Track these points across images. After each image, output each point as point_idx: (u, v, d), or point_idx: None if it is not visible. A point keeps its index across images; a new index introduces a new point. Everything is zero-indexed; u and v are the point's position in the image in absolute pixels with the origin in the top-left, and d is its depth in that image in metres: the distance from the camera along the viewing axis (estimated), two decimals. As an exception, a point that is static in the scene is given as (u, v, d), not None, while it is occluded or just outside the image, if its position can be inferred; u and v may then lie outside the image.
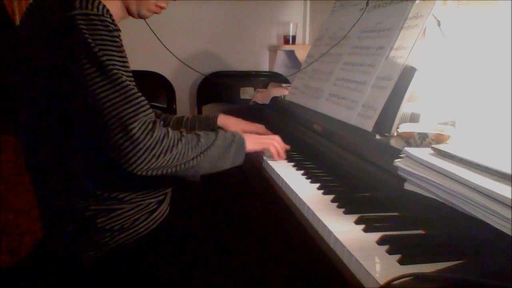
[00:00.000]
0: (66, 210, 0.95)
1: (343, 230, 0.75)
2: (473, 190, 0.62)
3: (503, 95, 0.92)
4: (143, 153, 0.84)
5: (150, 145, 0.84)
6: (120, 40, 0.89)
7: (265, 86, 1.96)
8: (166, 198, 1.06)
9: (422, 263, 0.63)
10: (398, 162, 0.77)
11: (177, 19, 2.28)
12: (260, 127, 1.36)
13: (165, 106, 2.29)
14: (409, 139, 0.89)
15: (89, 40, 0.82)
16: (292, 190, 0.97)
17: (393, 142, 0.92)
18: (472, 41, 1.07)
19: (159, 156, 0.86)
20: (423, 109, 1.03)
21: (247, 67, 2.50)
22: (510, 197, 0.56)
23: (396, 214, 0.84)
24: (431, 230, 0.75)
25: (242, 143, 1.06)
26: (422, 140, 0.87)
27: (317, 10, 2.41)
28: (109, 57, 0.84)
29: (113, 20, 0.87)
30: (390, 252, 0.66)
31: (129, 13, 1.04)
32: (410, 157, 0.75)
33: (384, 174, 0.86)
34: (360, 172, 0.98)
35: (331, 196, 0.91)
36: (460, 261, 0.63)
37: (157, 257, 0.96)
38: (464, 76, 1.05)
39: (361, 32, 1.24)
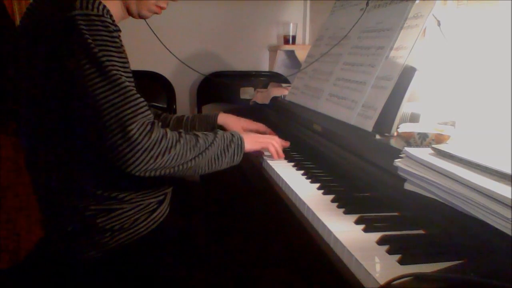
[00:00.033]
0: (66, 210, 0.95)
1: (343, 230, 0.75)
2: (473, 190, 0.62)
3: (503, 95, 0.92)
4: (141, 154, 0.84)
5: (148, 146, 0.84)
6: (120, 40, 0.89)
7: (265, 86, 1.96)
8: (166, 198, 1.06)
9: (422, 263, 0.63)
10: (398, 162, 0.77)
11: (177, 19, 2.28)
12: (260, 125, 1.36)
13: (165, 106, 2.28)
14: (409, 139, 0.89)
15: (89, 41, 0.82)
16: (292, 190, 0.97)
17: (393, 142, 0.92)
18: (472, 41, 1.07)
19: (157, 157, 0.86)
20: (423, 109, 1.03)
21: (247, 67, 2.50)
22: (510, 197, 0.56)
23: (396, 214, 0.84)
24: (431, 230, 0.75)
25: (240, 143, 1.06)
26: (422, 140, 0.87)
27: (317, 10, 2.41)
28: (109, 58, 0.84)
29: (113, 20, 0.87)
30: (390, 252, 0.66)
31: (129, 13, 1.04)
32: (410, 157, 0.75)
33: (384, 174, 0.86)
34: (360, 172, 0.98)
35: (331, 196, 0.91)
36: (460, 261, 0.63)
37: (157, 257, 0.96)
38: (464, 76, 1.05)
39: (361, 32, 1.24)
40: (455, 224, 0.68)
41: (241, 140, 1.06)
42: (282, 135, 1.28)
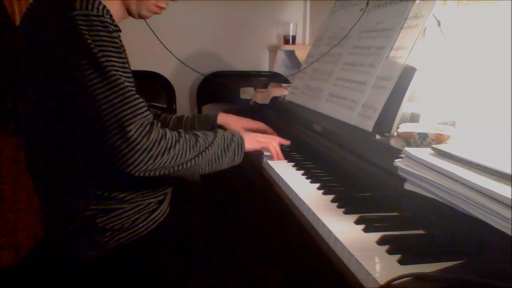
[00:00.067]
0: (66, 209, 0.95)
1: (343, 230, 0.75)
2: (473, 190, 0.62)
3: (503, 95, 0.92)
4: (141, 155, 0.84)
5: (147, 146, 0.84)
6: (120, 40, 0.89)
7: (265, 86, 1.96)
8: (166, 198, 1.06)
9: (422, 263, 0.63)
10: (398, 162, 0.77)
11: (177, 19, 2.28)
12: (260, 124, 1.36)
13: (165, 106, 2.29)
14: (409, 139, 0.89)
15: (89, 41, 0.82)
16: (292, 190, 0.97)
17: (393, 142, 0.92)
18: (472, 41, 1.07)
19: (156, 157, 0.86)
20: (423, 109, 1.03)
21: (247, 67, 2.50)
22: (510, 197, 0.56)
23: (396, 214, 0.84)
24: (431, 230, 0.75)
25: (241, 142, 1.06)
26: (422, 140, 0.87)
27: (317, 10, 2.41)
28: (108, 58, 0.84)
29: (113, 20, 0.87)
30: (390, 252, 0.66)
31: (129, 13, 1.04)
32: (410, 157, 0.75)
33: (384, 174, 0.86)
34: (360, 172, 0.98)
35: (331, 196, 0.91)
36: (460, 261, 0.63)
37: (157, 257, 0.96)
38: (464, 76, 1.05)
39: (361, 32, 1.24)
40: (455, 224, 0.68)
41: (241, 139, 1.06)
42: (282, 135, 1.28)
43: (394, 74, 1.01)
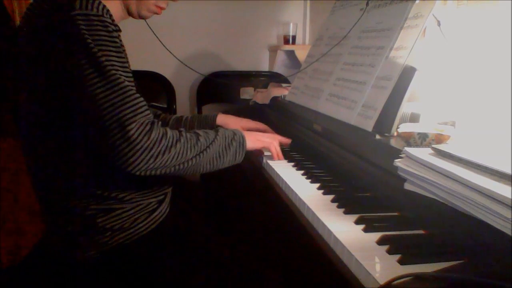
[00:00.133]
0: (66, 209, 0.95)
1: (343, 230, 0.75)
2: (473, 190, 0.62)
3: (503, 95, 0.92)
4: (141, 154, 0.84)
5: (148, 146, 0.84)
6: (120, 40, 0.89)
7: (265, 86, 1.96)
8: (166, 198, 1.06)
9: (422, 263, 0.63)
10: (398, 162, 0.77)
11: (177, 19, 2.28)
12: (260, 124, 1.36)
13: (165, 106, 2.29)
14: (409, 139, 0.89)
15: (89, 41, 0.82)
16: (292, 190, 0.97)
17: (393, 142, 0.92)
18: (472, 41, 1.07)
19: (157, 156, 0.86)
20: (423, 109, 1.03)
21: (247, 67, 2.50)
22: (510, 197, 0.56)
23: (396, 214, 0.84)
24: (431, 230, 0.75)
25: (242, 141, 1.06)
26: (422, 140, 0.87)
27: (317, 10, 2.41)
28: (108, 58, 0.84)
29: (113, 20, 0.87)
30: (390, 252, 0.67)
31: (129, 13, 1.04)
32: (410, 157, 0.75)
33: (384, 174, 0.86)
34: (360, 172, 0.98)
35: (331, 196, 0.91)
36: (460, 261, 0.64)
37: (157, 257, 0.96)
38: (464, 76, 1.05)
39: (361, 32, 1.24)
40: (455, 224, 0.68)
41: (243, 138, 1.06)
42: (282, 135, 1.28)
43: (394, 74, 1.01)
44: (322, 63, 1.38)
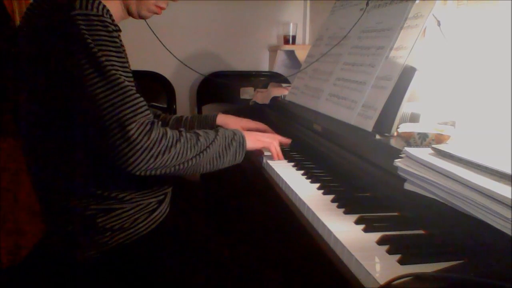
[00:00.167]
0: (66, 209, 0.95)
1: (343, 230, 0.75)
2: (473, 190, 0.62)
3: (503, 95, 0.92)
4: (141, 154, 0.84)
5: (148, 145, 0.84)
6: (120, 40, 0.89)
7: (265, 86, 1.96)
8: (166, 198, 1.06)
9: (422, 263, 0.63)
10: (398, 162, 0.77)
11: (177, 19, 2.28)
12: (260, 124, 1.36)
13: (165, 106, 2.29)
14: (409, 139, 0.89)
15: (89, 41, 0.82)
16: (292, 190, 0.97)
17: (393, 142, 0.92)
18: (472, 41, 1.07)
19: (157, 156, 0.86)
20: (423, 109, 1.03)
21: (247, 67, 2.50)
22: (510, 197, 0.56)
23: (396, 214, 0.84)
24: (431, 230, 0.75)
25: (242, 141, 1.06)
26: (422, 140, 0.87)
27: (317, 10, 2.41)
28: (108, 58, 0.84)
29: (113, 20, 0.87)
30: (390, 252, 0.67)
31: (129, 13, 1.04)
32: (410, 157, 0.75)
33: (384, 174, 0.86)
34: (360, 172, 0.98)
35: (331, 196, 0.91)
36: (460, 261, 0.64)
37: (157, 257, 0.96)
38: (464, 76, 1.05)
39: (361, 32, 1.24)
40: (455, 224, 0.68)
41: (243, 138, 1.06)
42: (282, 135, 1.28)
43: (394, 74, 1.01)
44: (322, 63, 1.38)
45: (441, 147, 0.75)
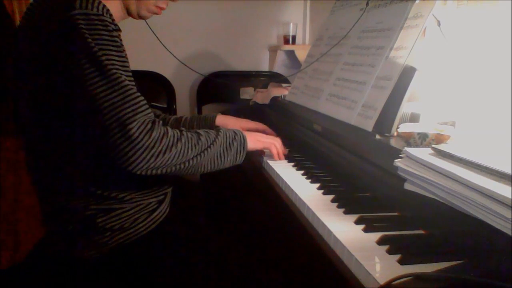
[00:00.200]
0: (66, 209, 0.95)
1: (343, 230, 0.75)
2: (473, 190, 0.62)
3: (503, 95, 0.92)
4: (142, 153, 0.84)
5: (149, 144, 0.84)
6: (120, 40, 0.89)
7: (265, 86, 1.96)
8: (166, 198, 1.06)
9: (422, 263, 0.63)
10: (398, 162, 0.77)
11: (177, 19, 2.28)
12: (259, 124, 1.36)
13: (165, 106, 2.29)
14: (409, 139, 0.89)
15: (89, 40, 0.82)
16: (292, 190, 0.97)
17: (393, 142, 0.92)
18: (472, 41, 1.07)
19: (158, 155, 0.86)
20: (423, 109, 1.03)
21: (247, 67, 2.50)
22: (510, 197, 0.56)
23: (396, 214, 0.84)
24: (431, 230, 0.75)
25: (243, 141, 1.05)
26: (422, 140, 0.87)
27: (317, 10, 2.41)
28: (109, 57, 0.84)
29: (113, 20, 0.87)
30: (390, 252, 0.67)
31: (129, 13, 1.04)
32: (410, 157, 0.75)
33: (384, 174, 0.86)
34: (360, 172, 0.98)
35: (331, 196, 0.91)
36: (460, 261, 0.63)
37: (157, 257, 0.96)
38: (464, 76, 1.05)
39: (361, 32, 1.24)
40: (455, 224, 0.68)
41: (243, 138, 1.06)
42: (282, 135, 1.28)
43: (394, 74, 1.01)
44: (322, 63, 1.38)
45: (441, 147, 0.75)
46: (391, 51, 1.07)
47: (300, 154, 1.26)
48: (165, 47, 1.30)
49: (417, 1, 1.06)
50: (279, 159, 1.18)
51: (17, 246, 1.73)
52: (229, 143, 1.01)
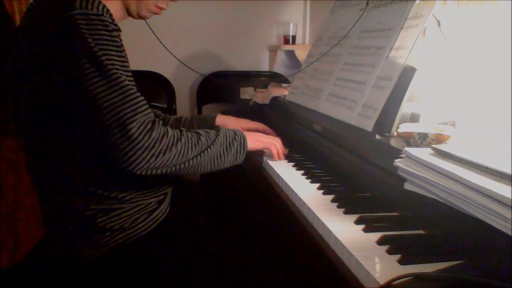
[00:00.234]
0: (66, 209, 0.95)
1: (343, 230, 0.75)
2: (473, 190, 0.62)
3: (503, 95, 0.92)
4: (142, 153, 0.84)
5: (149, 144, 0.84)
6: (120, 40, 0.89)
7: (265, 86, 1.96)
8: (166, 198, 1.06)
9: (422, 263, 0.63)
10: (398, 162, 0.77)
11: (177, 19, 2.28)
12: (259, 124, 1.36)
13: (165, 106, 2.29)
14: (409, 139, 0.89)
15: (89, 40, 0.82)
16: (292, 190, 0.97)
17: (393, 142, 0.92)
18: (472, 41, 1.07)
19: (158, 155, 0.86)
20: (423, 109, 1.03)
21: (247, 67, 2.50)
22: (510, 197, 0.56)
23: (396, 214, 0.84)
24: (431, 230, 0.75)
25: (243, 141, 1.05)
26: (422, 140, 0.87)
27: (317, 10, 2.41)
28: (109, 57, 0.84)
29: (113, 20, 0.87)
30: (390, 252, 0.66)
31: (129, 13, 1.04)
32: (410, 157, 0.75)
33: (384, 174, 0.86)
34: (360, 172, 0.98)
35: (331, 196, 0.91)
36: (460, 261, 0.63)
37: (157, 257, 0.96)
38: (464, 76, 1.05)
39: (361, 32, 1.24)
40: (455, 224, 0.68)
41: (244, 138, 1.06)
42: (282, 135, 1.28)
43: (394, 74, 1.01)
44: (322, 63, 1.38)
45: (441, 147, 0.75)
46: (391, 51, 1.07)
47: (300, 154, 1.26)
48: (165, 47, 1.30)
49: (417, 1, 1.06)
50: (279, 159, 1.18)
51: (17, 246, 1.73)
52: (229, 143, 1.01)
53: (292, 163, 1.17)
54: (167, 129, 0.89)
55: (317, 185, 0.99)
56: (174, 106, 2.31)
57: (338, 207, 0.86)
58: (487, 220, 0.59)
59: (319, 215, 0.81)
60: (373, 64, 1.10)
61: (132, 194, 0.97)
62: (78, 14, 0.82)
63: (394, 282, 0.56)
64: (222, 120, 1.33)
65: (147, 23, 1.15)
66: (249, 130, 1.27)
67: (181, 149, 0.90)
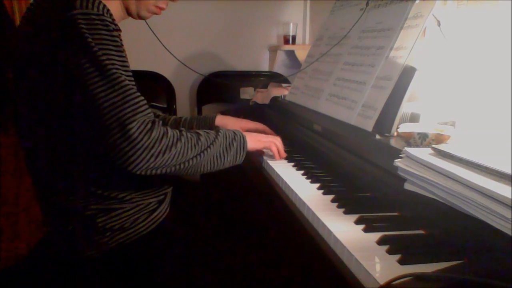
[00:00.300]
0: (66, 209, 0.95)
1: (343, 230, 0.75)
2: (473, 190, 0.62)
3: (503, 95, 0.92)
4: (142, 153, 0.84)
5: (148, 144, 0.84)
6: (120, 40, 0.89)
7: (265, 86, 1.96)
8: (166, 198, 1.06)
9: (422, 263, 0.63)
10: (398, 162, 0.77)
11: (177, 19, 2.28)
12: (259, 124, 1.36)
13: (165, 106, 2.29)
14: (409, 139, 0.89)
15: (89, 40, 0.82)
16: (292, 190, 0.97)
17: (393, 142, 0.92)
18: (472, 41, 1.07)
19: (157, 155, 0.86)
20: (423, 109, 1.03)
21: (247, 67, 2.50)
22: (510, 197, 0.56)
23: (396, 214, 0.84)
24: (431, 230, 0.75)
25: (243, 141, 1.05)
26: (422, 140, 0.87)
27: (317, 10, 2.41)
28: (109, 57, 0.84)
29: (113, 19, 0.87)
30: (390, 252, 0.66)
31: (129, 13, 1.04)
32: (410, 157, 0.75)
33: (384, 174, 0.86)
34: (360, 172, 0.98)
35: (331, 196, 0.91)
36: (460, 261, 0.63)
37: (157, 257, 0.96)
38: (464, 76, 1.05)
39: (361, 32, 1.24)
40: (455, 224, 0.68)
41: (243, 138, 1.06)
42: (282, 135, 1.28)
43: (394, 74, 1.01)
44: (322, 63, 1.38)
45: (441, 147, 0.75)
46: (391, 51, 1.07)
47: (300, 154, 1.26)
48: (165, 47, 1.30)
49: (417, 1, 1.06)
50: (280, 157, 1.18)
51: (17, 246, 1.73)
52: (229, 143, 1.01)
53: (292, 163, 1.17)
54: (166, 129, 0.89)
55: (317, 185, 0.99)
56: (174, 106, 2.31)
57: (338, 207, 0.86)
58: (487, 220, 0.59)
59: (319, 215, 0.81)
60: (373, 64, 1.10)
61: (132, 194, 0.97)
62: (79, 13, 0.82)
63: (394, 282, 0.56)
64: (222, 121, 1.33)
65: (147, 23, 1.15)
66: (248, 130, 1.27)
67: (180, 149, 0.90)
